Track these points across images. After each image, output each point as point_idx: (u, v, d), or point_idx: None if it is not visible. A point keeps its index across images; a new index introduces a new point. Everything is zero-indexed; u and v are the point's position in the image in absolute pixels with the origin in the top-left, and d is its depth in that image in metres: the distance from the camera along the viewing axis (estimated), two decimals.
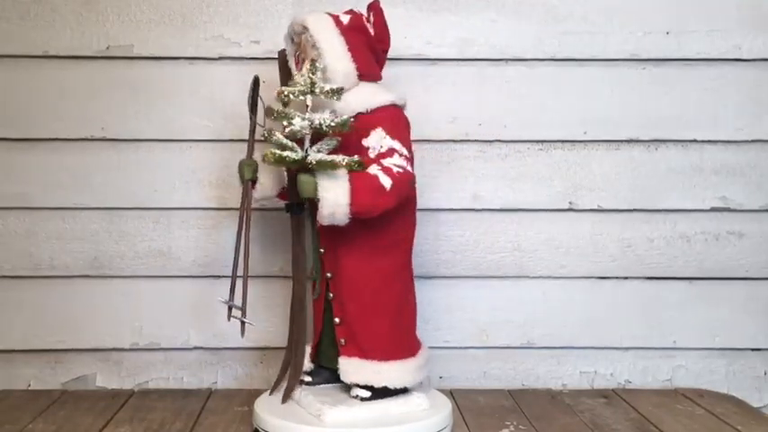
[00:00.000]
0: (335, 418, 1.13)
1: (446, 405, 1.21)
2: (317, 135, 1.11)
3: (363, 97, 1.15)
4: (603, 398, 1.40)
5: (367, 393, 1.17)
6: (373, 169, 1.11)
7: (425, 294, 1.44)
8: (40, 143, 1.42)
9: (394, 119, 1.15)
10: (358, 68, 1.16)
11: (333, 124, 1.10)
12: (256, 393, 1.28)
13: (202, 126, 1.42)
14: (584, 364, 1.47)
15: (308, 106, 1.10)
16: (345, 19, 1.18)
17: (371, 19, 1.20)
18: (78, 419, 1.26)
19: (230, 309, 1.22)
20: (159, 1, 1.41)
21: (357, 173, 1.10)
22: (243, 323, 1.21)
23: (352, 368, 1.18)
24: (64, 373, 1.44)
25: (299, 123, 1.09)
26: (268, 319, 1.45)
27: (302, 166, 1.10)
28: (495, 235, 1.46)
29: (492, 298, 1.46)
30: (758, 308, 1.47)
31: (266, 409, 1.18)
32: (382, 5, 1.21)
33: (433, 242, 1.45)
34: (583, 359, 1.47)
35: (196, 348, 1.45)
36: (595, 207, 1.46)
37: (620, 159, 1.45)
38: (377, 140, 1.13)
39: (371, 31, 1.19)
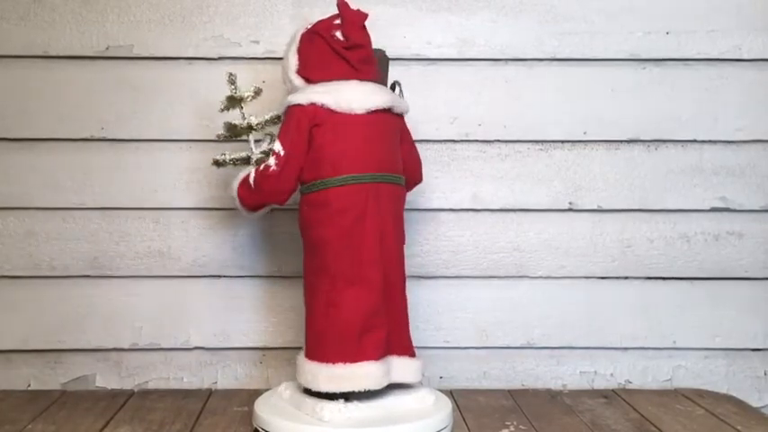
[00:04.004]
0: (261, 400, 1.23)
1: (446, 405, 1.21)
2: None
3: (287, 100, 1.19)
4: (603, 398, 1.40)
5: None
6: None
7: (425, 294, 1.44)
8: (40, 143, 1.42)
9: (286, 119, 1.18)
10: (299, 72, 1.19)
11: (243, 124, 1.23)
12: (256, 393, 1.28)
13: (202, 126, 1.42)
14: (584, 364, 1.47)
15: (242, 113, 1.23)
16: (312, 24, 1.20)
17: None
18: (78, 419, 1.26)
19: None
20: (159, 1, 1.41)
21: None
22: None
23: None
24: (64, 373, 1.44)
25: (237, 122, 1.24)
26: (268, 319, 1.45)
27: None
28: (495, 235, 1.46)
29: (492, 298, 1.46)
30: (758, 308, 1.47)
31: (266, 409, 1.18)
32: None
33: (433, 242, 1.45)
34: (583, 359, 1.47)
35: (196, 348, 1.45)
36: (595, 207, 1.46)
37: (620, 159, 1.45)
38: None
39: (340, 31, 1.19)
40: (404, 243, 1.22)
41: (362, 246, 1.15)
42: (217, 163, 1.24)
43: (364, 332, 1.15)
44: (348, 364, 1.13)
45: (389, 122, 1.20)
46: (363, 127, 1.17)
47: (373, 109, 1.17)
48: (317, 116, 1.15)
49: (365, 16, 1.20)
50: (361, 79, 1.18)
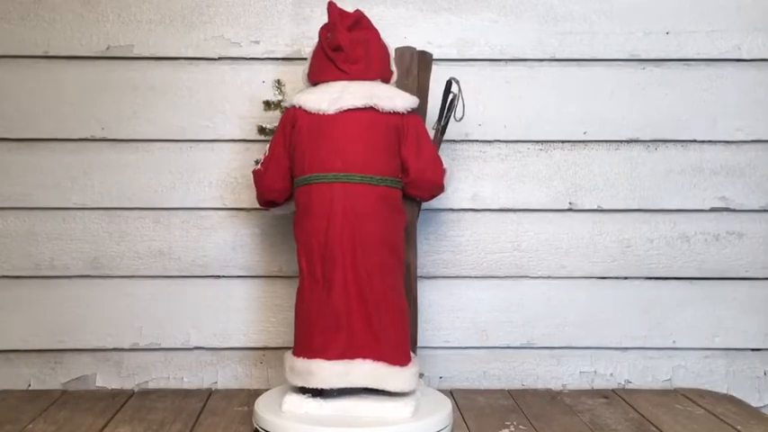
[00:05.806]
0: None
1: (446, 405, 1.21)
2: None
3: None
4: (603, 398, 1.40)
5: None
6: None
7: (425, 294, 1.44)
8: (40, 143, 1.42)
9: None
10: (308, 75, 1.24)
11: None
12: (256, 393, 1.29)
13: (202, 126, 1.42)
14: (584, 364, 1.47)
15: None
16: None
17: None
18: (78, 419, 1.26)
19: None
20: (159, 1, 1.41)
21: None
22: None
23: None
24: (64, 373, 1.44)
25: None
26: (268, 319, 1.45)
27: None
28: (495, 235, 1.46)
29: (492, 298, 1.46)
30: (758, 308, 1.47)
31: (266, 409, 1.18)
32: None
33: (433, 242, 1.45)
34: (583, 359, 1.47)
35: (196, 348, 1.45)
36: (595, 207, 1.46)
37: (620, 159, 1.45)
38: None
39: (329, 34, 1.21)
40: (386, 244, 1.17)
41: (324, 245, 1.15)
42: (258, 163, 1.30)
43: (322, 330, 1.15)
44: (304, 360, 1.16)
45: (373, 121, 1.17)
46: (334, 126, 1.16)
47: (346, 108, 1.16)
48: (295, 117, 1.19)
49: (350, 17, 1.20)
50: (351, 79, 1.19)
